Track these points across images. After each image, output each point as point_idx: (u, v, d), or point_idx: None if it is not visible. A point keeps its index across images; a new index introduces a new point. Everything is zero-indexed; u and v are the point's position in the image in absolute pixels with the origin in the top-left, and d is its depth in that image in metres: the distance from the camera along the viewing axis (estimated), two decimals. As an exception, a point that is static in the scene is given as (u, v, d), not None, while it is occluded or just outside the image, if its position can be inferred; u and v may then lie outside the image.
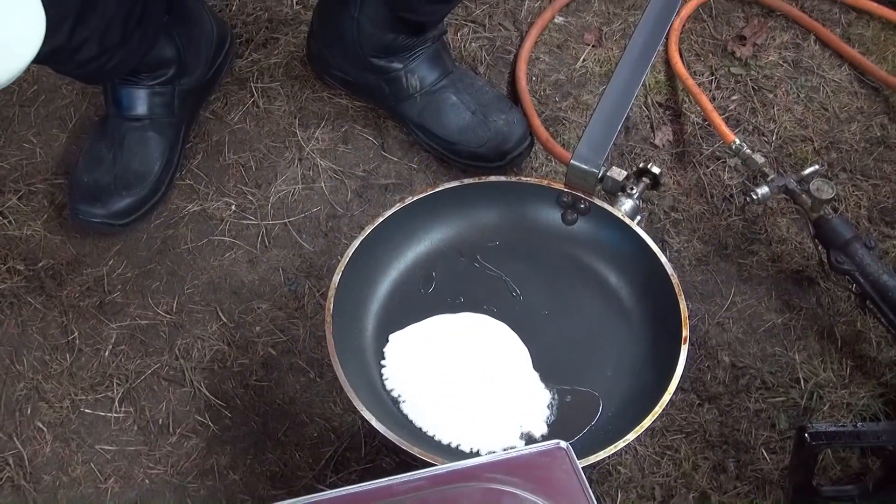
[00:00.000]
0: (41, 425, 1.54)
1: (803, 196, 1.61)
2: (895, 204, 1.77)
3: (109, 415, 1.55)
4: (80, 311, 1.63)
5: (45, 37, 1.49)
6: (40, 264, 1.68)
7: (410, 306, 1.48)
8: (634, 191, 1.53)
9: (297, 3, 1.99)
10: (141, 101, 1.72)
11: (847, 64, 1.95)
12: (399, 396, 1.40)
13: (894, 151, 1.83)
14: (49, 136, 1.82)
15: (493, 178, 1.52)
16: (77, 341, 1.61)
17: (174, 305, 1.64)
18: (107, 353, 1.60)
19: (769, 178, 1.64)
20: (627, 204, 1.51)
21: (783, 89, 1.91)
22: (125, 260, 1.69)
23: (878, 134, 1.86)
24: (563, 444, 1.04)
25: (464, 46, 1.95)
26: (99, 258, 1.69)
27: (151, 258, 1.69)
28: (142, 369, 1.58)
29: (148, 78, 1.72)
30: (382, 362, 1.44)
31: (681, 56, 1.93)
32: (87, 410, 1.55)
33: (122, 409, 1.55)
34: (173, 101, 1.75)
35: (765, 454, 1.51)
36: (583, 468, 1.06)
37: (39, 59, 1.58)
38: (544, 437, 1.38)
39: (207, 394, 1.56)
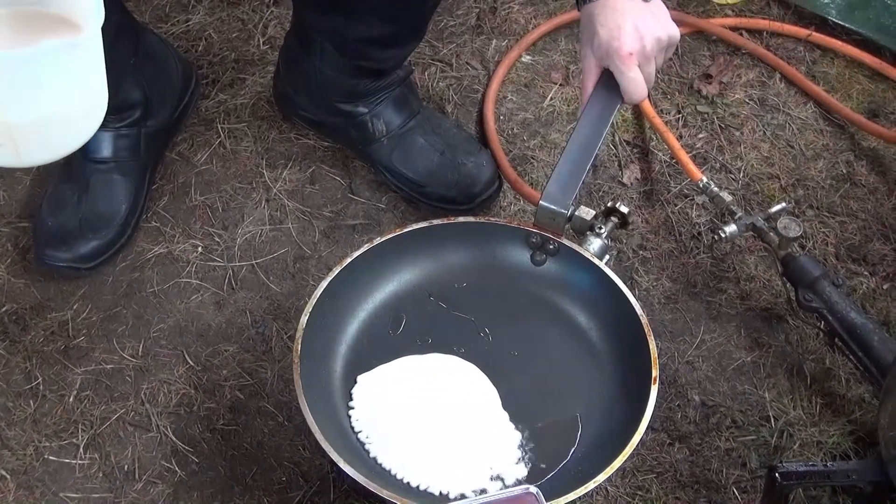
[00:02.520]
0: (4, 473, 1.51)
1: (771, 234, 1.61)
2: (862, 241, 1.77)
3: (74, 462, 1.53)
4: (45, 356, 1.61)
5: None
6: (3, 309, 1.66)
7: (379, 348, 1.46)
8: (603, 230, 1.53)
9: (263, 44, 1.99)
10: (106, 144, 1.71)
11: (812, 101, 1.97)
12: (367, 438, 1.39)
13: (860, 188, 1.84)
14: (12, 179, 1.80)
15: (461, 219, 1.52)
16: (41, 387, 1.58)
17: (140, 349, 1.63)
18: (71, 399, 1.57)
19: (737, 216, 1.64)
20: (596, 243, 1.51)
21: (749, 127, 1.93)
22: (90, 304, 1.67)
23: (844, 171, 1.87)
24: (533, 489, 1.03)
25: (431, 86, 1.95)
26: (63, 302, 1.67)
27: (117, 302, 1.67)
28: (107, 415, 1.56)
29: (114, 120, 1.70)
30: (351, 404, 1.42)
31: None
32: (51, 457, 1.53)
33: (87, 455, 1.53)
34: (139, 144, 1.74)
35: (736, 493, 1.51)
36: (553, 512, 1.05)
37: None
38: (517, 480, 1.37)
39: (174, 439, 1.54)
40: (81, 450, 1.53)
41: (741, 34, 2.05)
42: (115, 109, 1.70)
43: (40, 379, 1.59)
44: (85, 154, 1.71)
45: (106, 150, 1.72)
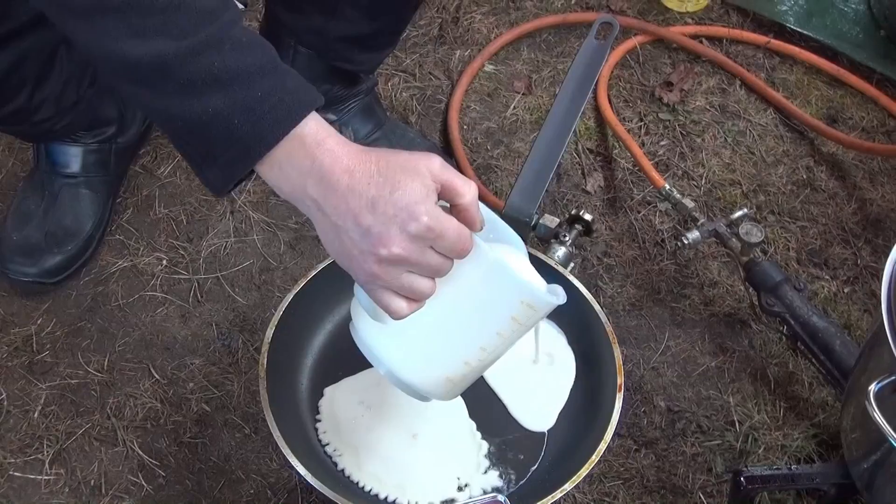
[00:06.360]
0: (-31, 490, 1.50)
1: (733, 240, 1.63)
2: (823, 245, 1.79)
3: (40, 477, 1.52)
4: (9, 371, 1.60)
5: (7, 101, 1.52)
6: (-34, 325, 1.65)
7: (345, 359, 1.46)
8: (567, 238, 1.54)
9: (226, 56, 1.98)
10: (75, 159, 1.70)
11: (772, 108, 1.99)
12: (335, 451, 1.39)
13: (820, 193, 1.86)
14: (-28, 196, 1.79)
15: (425, 229, 1.52)
16: (5, 403, 1.57)
17: (105, 363, 1.62)
18: (36, 415, 1.56)
19: (699, 223, 1.66)
20: (560, 251, 1.52)
21: (711, 134, 1.94)
22: (54, 318, 1.66)
23: (805, 176, 1.89)
24: (501, 497, 1.04)
25: (395, 96, 1.96)
26: (27, 317, 1.66)
27: (81, 316, 1.67)
28: (73, 430, 1.55)
29: (87, 136, 1.70)
30: (318, 416, 1.42)
31: (610, 103, 1.95)
32: (16, 473, 1.52)
33: (53, 471, 1.52)
34: (110, 159, 1.73)
35: (702, 498, 1.52)
36: (521, 521, 1.06)
37: None
38: (484, 490, 1.37)
39: (140, 453, 1.54)
40: (47, 465, 1.52)
41: (701, 42, 2.07)
42: (90, 125, 1.69)
43: (4, 394, 1.58)
44: (53, 168, 1.70)
45: (75, 165, 1.71)
